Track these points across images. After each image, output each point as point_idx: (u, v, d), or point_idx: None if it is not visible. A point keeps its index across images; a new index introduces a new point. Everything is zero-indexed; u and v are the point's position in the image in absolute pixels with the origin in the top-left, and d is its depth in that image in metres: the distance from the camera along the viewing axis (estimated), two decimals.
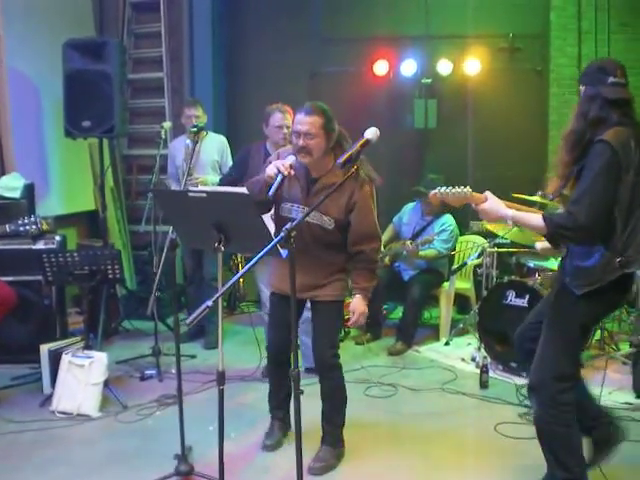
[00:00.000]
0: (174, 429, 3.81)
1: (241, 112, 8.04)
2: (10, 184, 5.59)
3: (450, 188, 3.28)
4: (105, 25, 7.84)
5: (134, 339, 6.41)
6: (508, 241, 6.33)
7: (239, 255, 6.96)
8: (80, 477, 3.78)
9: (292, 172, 3.53)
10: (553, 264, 5.96)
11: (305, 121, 3.55)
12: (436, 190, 3.35)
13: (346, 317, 6.49)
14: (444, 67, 7.66)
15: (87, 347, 4.85)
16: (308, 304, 4.01)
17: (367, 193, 3.72)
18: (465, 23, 7.64)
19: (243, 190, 2.95)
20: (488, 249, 6.18)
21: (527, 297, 5.38)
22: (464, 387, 5.21)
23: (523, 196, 5.99)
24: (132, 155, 8.03)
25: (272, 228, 3.67)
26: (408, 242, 6.22)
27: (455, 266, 6.66)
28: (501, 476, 3.80)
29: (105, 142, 6.43)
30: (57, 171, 6.77)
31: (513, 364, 5.39)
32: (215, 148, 6.16)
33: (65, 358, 4.70)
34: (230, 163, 6.13)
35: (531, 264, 6.06)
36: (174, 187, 6.15)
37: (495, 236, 6.18)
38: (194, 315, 2.50)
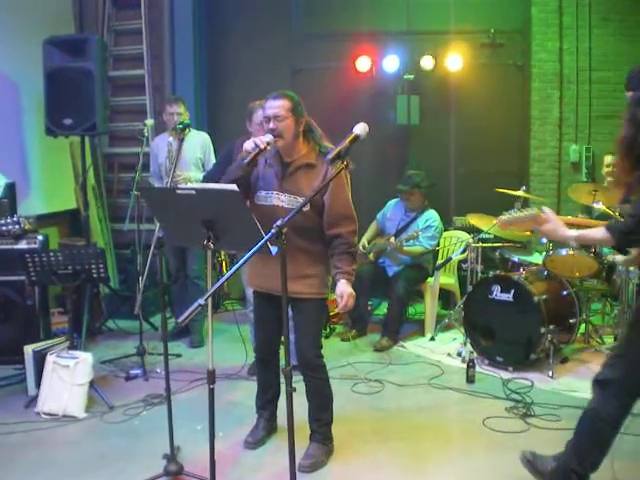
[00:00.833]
0: (161, 429, 3.78)
1: (223, 109, 8.01)
2: None
3: (517, 211, 3.23)
4: (85, 22, 7.76)
5: (118, 339, 6.36)
6: (492, 236, 6.36)
7: (222, 253, 6.96)
8: (67, 479, 3.74)
9: (269, 147, 3.58)
10: (537, 258, 5.99)
11: (274, 105, 3.65)
12: (505, 217, 3.29)
13: (331, 313, 6.59)
14: (426, 63, 7.68)
15: (72, 347, 4.81)
16: None
17: (340, 176, 3.53)
18: (447, 19, 7.68)
19: (232, 187, 2.91)
20: (472, 244, 6.20)
21: (512, 292, 5.39)
22: (451, 382, 5.21)
23: (506, 191, 6.03)
24: (113, 153, 7.98)
25: None
26: (392, 238, 6.22)
27: (440, 261, 6.67)
28: (489, 470, 3.81)
29: (86, 140, 6.36)
30: (38, 170, 6.71)
31: (499, 358, 5.41)
32: (198, 145, 6.12)
33: (50, 359, 4.66)
34: (213, 160, 6.10)
35: (515, 258, 6.10)
36: (157, 185, 6.11)
37: (479, 231, 6.20)
38: (186, 314, 2.47)
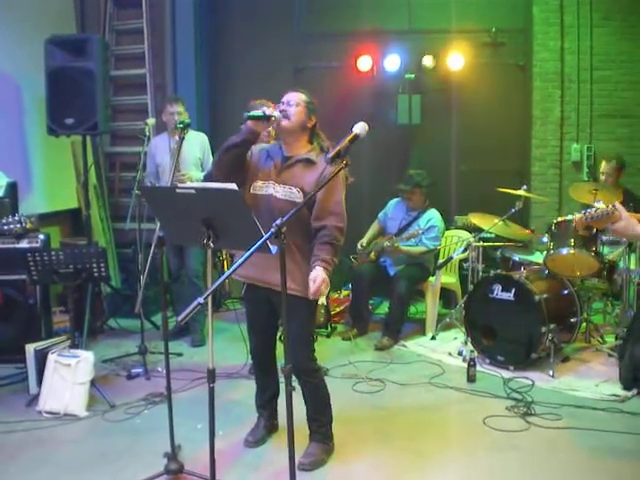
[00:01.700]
0: (162, 427, 3.79)
1: (224, 108, 8.01)
2: None
3: (595, 209, 3.23)
4: (86, 22, 7.76)
5: (119, 337, 6.37)
6: (493, 235, 6.36)
7: (224, 252, 6.97)
8: (68, 477, 3.75)
9: (273, 118, 3.62)
10: (538, 257, 6.00)
11: (292, 95, 3.78)
12: (581, 215, 3.30)
13: (332, 312, 6.60)
14: (427, 62, 7.69)
15: (73, 346, 4.81)
16: None
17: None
18: (448, 18, 7.67)
19: (232, 186, 2.91)
20: (473, 243, 6.19)
21: (513, 291, 5.39)
22: (451, 381, 5.21)
23: (508, 190, 6.03)
24: (115, 152, 7.98)
25: None
26: (387, 239, 6.22)
27: (441, 261, 6.67)
28: (490, 469, 3.81)
29: (88, 139, 6.37)
30: (40, 169, 6.71)
31: (500, 357, 5.41)
32: (197, 145, 6.13)
33: (51, 357, 4.67)
34: (211, 160, 6.11)
35: (516, 258, 6.10)
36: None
37: (480, 230, 6.20)
38: (185, 312, 2.48)
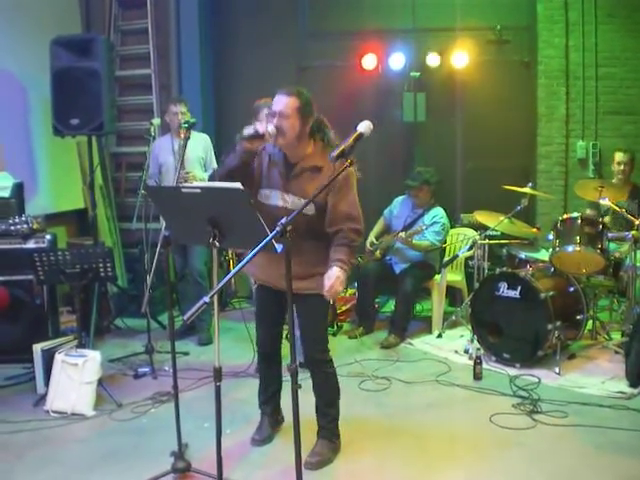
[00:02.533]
0: (169, 426, 3.80)
1: (229, 107, 8.02)
2: None
3: None
4: (92, 22, 7.79)
5: (126, 337, 6.39)
6: (499, 233, 6.36)
7: (230, 251, 6.98)
8: (76, 476, 3.76)
9: (268, 136, 3.50)
10: (544, 255, 5.99)
11: (281, 101, 3.56)
12: None
13: (338, 311, 6.61)
14: (432, 60, 7.68)
15: (80, 346, 4.83)
16: None
17: (347, 173, 3.48)
18: (453, 16, 7.67)
19: (237, 185, 2.91)
20: (479, 241, 6.19)
21: (519, 288, 5.39)
22: (458, 379, 5.22)
23: (513, 188, 6.03)
24: (121, 152, 8.01)
25: None
26: (401, 234, 6.22)
27: (446, 259, 6.67)
28: (497, 466, 3.80)
29: (94, 140, 6.38)
30: (46, 170, 6.73)
31: (506, 355, 5.41)
32: (200, 145, 6.14)
33: (58, 357, 4.68)
34: (214, 160, 6.16)
35: (522, 255, 6.09)
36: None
37: (486, 228, 6.19)
38: (191, 311, 2.49)
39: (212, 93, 8.20)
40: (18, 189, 5.64)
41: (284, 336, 4.31)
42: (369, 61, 7.78)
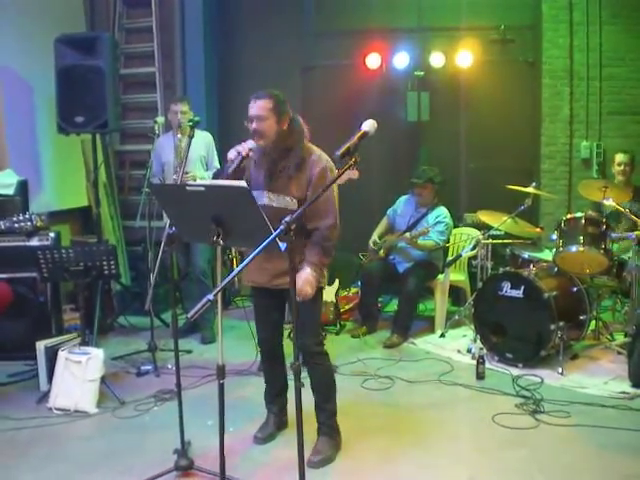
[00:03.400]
0: (172, 424, 3.82)
1: (233, 106, 8.01)
2: (4, 181, 5.57)
3: None
4: (96, 20, 7.80)
5: (129, 335, 6.40)
6: (502, 233, 6.36)
7: (233, 249, 6.98)
8: (79, 474, 3.77)
9: (250, 154, 3.63)
10: (547, 255, 5.99)
11: (254, 105, 3.68)
12: None
13: (341, 310, 6.61)
14: (436, 60, 7.68)
15: (83, 343, 4.84)
16: None
17: (323, 170, 3.71)
18: (457, 15, 7.68)
19: (241, 183, 2.92)
20: (482, 241, 6.18)
21: (522, 288, 5.38)
22: (460, 378, 5.21)
23: (517, 187, 6.02)
24: (125, 150, 8.02)
25: None
26: (406, 235, 6.21)
27: (450, 258, 6.66)
28: (499, 466, 3.80)
29: (98, 138, 6.39)
30: (50, 167, 6.75)
31: (509, 355, 5.41)
32: (202, 144, 6.15)
33: (62, 355, 4.69)
34: (216, 159, 6.18)
35: (525, 255, 6.09)
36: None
37: (489, 228, 6.19)
38: (195, 309, 2.49)
39: (216, 91, 8.20)
40: (22, 187, 5.67)
41: (286, 335, 4.31)
42: (373, 60, 7.78)
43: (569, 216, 5.67)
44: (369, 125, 3.06)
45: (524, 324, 5.35)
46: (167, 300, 6.83)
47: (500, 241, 6.39)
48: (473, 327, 5.85)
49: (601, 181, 6.09)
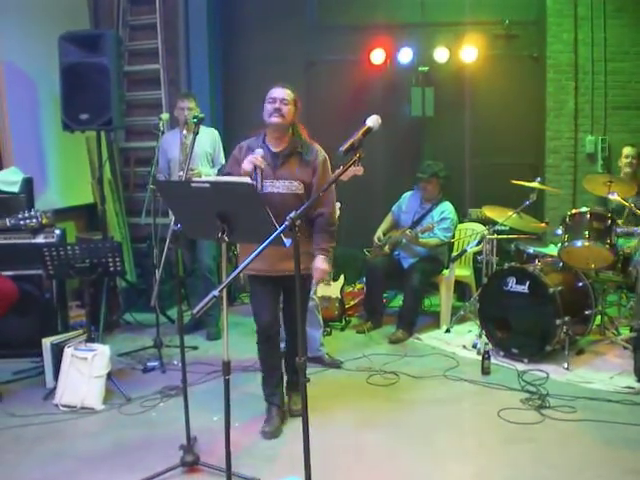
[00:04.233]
0: (178, 420, 3.83)
1: (238, 102, 8.02)
2: (9, 178, 5.58)
3: None
4: (100, 17, 7.80)
5: (135, 331, 6.42)
6: (507, 228, 6.35)
7: (238, 246, 6.98)
8: (85, 470, 3.77)
9: (263, 165, 3.99)
10: (552, 250, 5.98)
11: (281, 90, 4.10)
12: None
13: (346, 306, 6.61)
14: (441, 55, 7.67)
15: (89, 340, 4.85)
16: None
17: (325, 160, 4.19)
18: (461, 10, 7.67)
19: (246, 179, 2.93)
20: (487, 236, 6.18)
21: (528, 283, 5.38)
22: (466, 374, 5.21)
23: (522, 182, 6.01)
24: (129, 147, 8.03)
25: None
26: (408, 230, 6.21)
27: (455, 254, 6.65)
28: (505, 461, 3.80)
29: (103, 135, 6.40)
30: (55, 165, 6.75)
31: (514, 350, 5.41)
32: (208, 141, 6.15)
33: (68, 351, 4.70)
34: (222, 156, 6.17)
35: (531, 250, 6.09)
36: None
37: (494, 223, 6.18)
38: (200, 305, 2.49)
39: (220, 88, 8.21)
40: (27, 184, 5.67)
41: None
42: (377, 55, 7.78)
43: (574, 211, 5.66)
44: (373, 120, 3.05)
45: (529, 319, 5.34)
46: (173, 297, 6.84)
47: (505, 236, 6.38)
48: (478, 322, 5.84)
49: (606, 176, 6.07)
